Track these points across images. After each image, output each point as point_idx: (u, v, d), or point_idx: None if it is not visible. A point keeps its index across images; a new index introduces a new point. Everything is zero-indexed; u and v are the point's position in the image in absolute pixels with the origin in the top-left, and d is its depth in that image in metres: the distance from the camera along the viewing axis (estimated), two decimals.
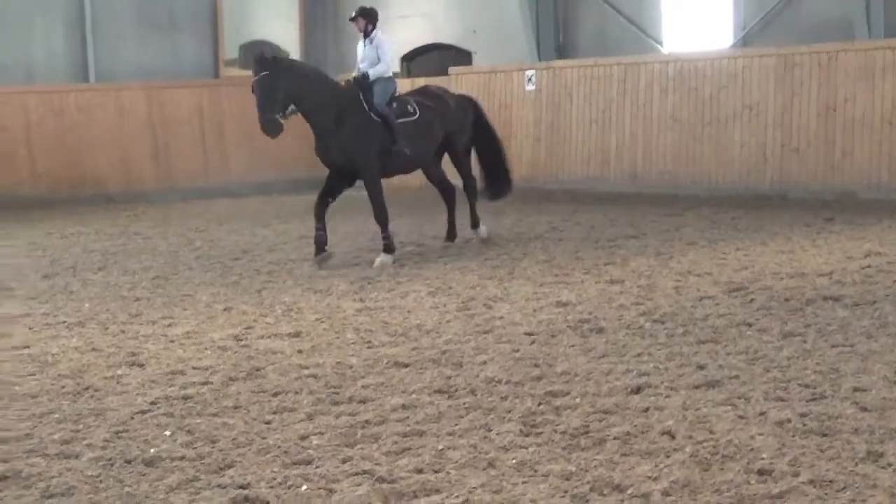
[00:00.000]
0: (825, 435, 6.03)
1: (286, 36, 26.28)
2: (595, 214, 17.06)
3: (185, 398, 7.36)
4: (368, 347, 8.74)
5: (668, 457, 5.81)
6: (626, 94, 21.27)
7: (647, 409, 6.66)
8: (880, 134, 17.19)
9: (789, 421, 6.28)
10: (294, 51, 26.11)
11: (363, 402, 7.14)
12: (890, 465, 5.54)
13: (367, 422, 6.67)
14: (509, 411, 6.76)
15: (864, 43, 18.01)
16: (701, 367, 7.61)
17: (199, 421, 6.83)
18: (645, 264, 12.14)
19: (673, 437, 6.12)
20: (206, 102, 24.55)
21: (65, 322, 10.16)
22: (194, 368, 8.22)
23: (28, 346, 9.15)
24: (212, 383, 7.73)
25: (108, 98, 23.48)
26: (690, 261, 12.22)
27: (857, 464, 5.58)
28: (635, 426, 6.32)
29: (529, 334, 8.94)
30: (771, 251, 12.66)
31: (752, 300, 9.94)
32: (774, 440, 5.98)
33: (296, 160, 24.62)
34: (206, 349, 8.87)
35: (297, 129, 14.77)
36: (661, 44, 21.80)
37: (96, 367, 8.34)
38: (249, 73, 14.73)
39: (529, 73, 22.95)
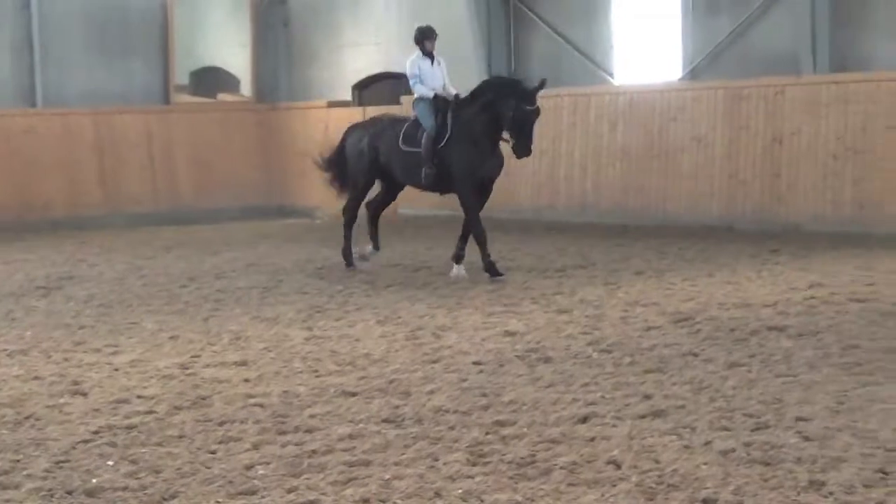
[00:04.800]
0: (768, 464, 6.07)
1: (238, 62, 26.25)
2: (544, 244, 17.10)
3: (129, 427, 7.29)
4: (316, 376, 8.71)
5: (613, 486, 5.83)
6: (576, 126, 21.39)
7: (593, 439, 6.68)
8: (825, 167, 17.39)
9: (734, 450, 6.32)
10: (245, 78, 26.11)
11: (310, 431, 7.11)
12: (831, 493, 5.59)
13: (313, 451, 6.64)
14: (456, 441, 6.76)
15: (810, 77, 18.24)
16: (647, 397, 7.65)
17: (142, 450, 6.76)
18: (593, 294, 12.20)
19: (619, 467, 6.14)
20: (156, 128, 24.43)
21: (6, 350, 10.04)
22: (139, 397, 8.14)
23: None
24: (156, 412, 7.67)
25: (55, 122, 23.32)
26: (638, 291, 12.29)
27: (799, 493, 5.62)
28: (581, 456, 6.33)
29: (477, 364, 8.95)
30: (717, 282, 12.76)
31: (698, 330, 10.01)
32: (719, 469, 6.01)
33: (245, 187, 24.60)
34: (151, 378, 8.79)
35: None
36: (611, 75, 21.94)
37: (38, 396, 8.24)
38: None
39: None
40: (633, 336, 9.86)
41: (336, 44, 25.53)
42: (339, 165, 15.43)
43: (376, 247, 14.97)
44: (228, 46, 26.46)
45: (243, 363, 9.23)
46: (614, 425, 6.96)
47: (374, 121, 15.50)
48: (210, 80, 26.33)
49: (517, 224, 19.97)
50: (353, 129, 15.59)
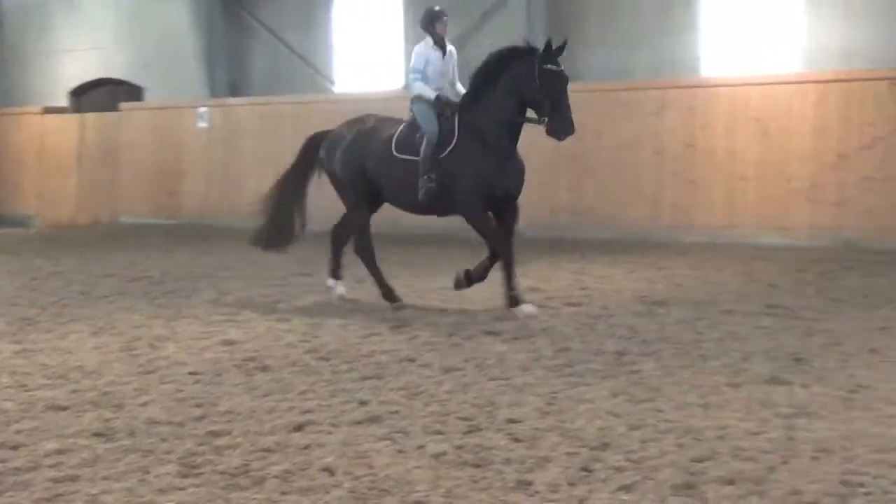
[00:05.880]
0: (479, 466, 6.20)
1: None
2: (267, 253, 16.96)
3: None
4: (24, 391, 8.37)
5: (326, 493, 5.83)
6: (298, 133, 21.35)
7: (308, 447, 6.67)
8: (540, 175, 17.89)
9: (446, 453, 6.42)
10: None
11: (15, 448, 6.83)
12: (538, 492, 5.75)
13: (17, 468, 6.38)
14: (168, 453, 6.62)
15: None
16: (363, 403, 7.69)
17: None
18: (314, 301, 12.20)
19: (332, 474, 6.14)
20: None
21: None
22: None
23: None
24: None
25: None
26: (359, 297, 12.37)
27: (507, 493, 5.76)
28: (295, 464, 6.31)
29: (194, 374, 8.80)
30: (436, 287, 12.95)
31: (416, 336, 10.14)
32: (431, 472, 6.09)
33: None
34: None
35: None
36: (333, 83, 22.04)
37: None
38: None
39: (201, 110, 22.76)
40: (352, 342, 9.91)
41: (50, 48, 24.79)
42: (290, 190, 12.87)
43: (338, 276, 12.57)
44: None
45: None
46: (330, 432, 6.97)
47: (357, 121, 12.68)
48: None
49: (239, 232, 19.74)
50: (323, 134, 12.90)
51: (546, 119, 10.98)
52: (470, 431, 6.92)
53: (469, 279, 11.69)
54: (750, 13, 19.39)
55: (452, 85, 12.02)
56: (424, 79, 11.75)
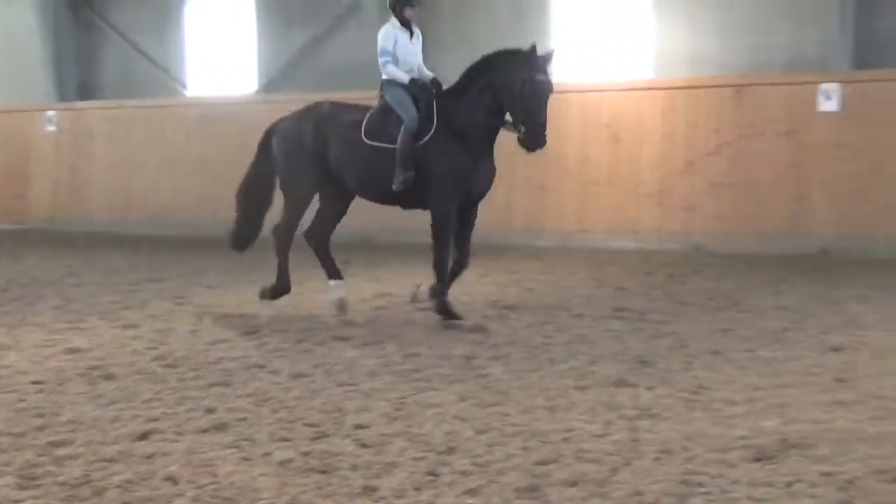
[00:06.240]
0: (325, 472, 6.16)
1: None
2: (116, 258, 16.73)
3: None
4: None
5: (169, 502, 5.74)
6: (150, 138, 21.09)
7: (151, 456, 6.55)
8: None
9: (292, 460, 6.37)
10: None
11: None
12: (383, 497, 5.74)
13: None
14: (7, 464, 6.44)
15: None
16: (210, 411, 7.59)
17: None
18: (163, 308, 12.03)
19: (176, 483, 6.04)
20: None
21: None
22: None
23: None
24: None
25: None
26: (209, 304, 12.23)
27: (353, 499, 5.73)
28: (138, 473, 6.19)
29: (36, 383, 8.58)
30: (293, 293, 12.84)
31: (265, 342, 10.06)
32: (276, 480, 6.04)
33: None
34: None
35: None
36: (185, 87, 21.78)
37: None
38: None
39: (49, 113, 22.29)
40: (200, 350, 9.78)
41: None
42: (254, 189, 12.11)
43: (339, 276, 11.78)
44: None
45: None
46: (174, 441, 6.86)
47: (316, 105, 11.88)
48: None
49: (90, 238, 19.46)
50: (283, 120, 12.11)
51: (522, 128, 10.63)
52: (317, 438, 6.88)
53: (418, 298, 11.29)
54: (601, 20, 19.68)
55: (421, 68, 11.41)
56: (395, 60, 11.14)
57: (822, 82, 16.93)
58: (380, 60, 11.16)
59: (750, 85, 17.54)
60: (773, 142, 17.19)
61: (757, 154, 17.29)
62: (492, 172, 11.18)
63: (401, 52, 11.16)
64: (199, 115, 20.56)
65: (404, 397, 7.90)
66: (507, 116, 10.88)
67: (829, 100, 16.85)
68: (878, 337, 10.05)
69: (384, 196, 11.26)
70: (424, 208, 11.10)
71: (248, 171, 12.18)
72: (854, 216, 16.63)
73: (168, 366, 9.11)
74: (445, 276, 10.93)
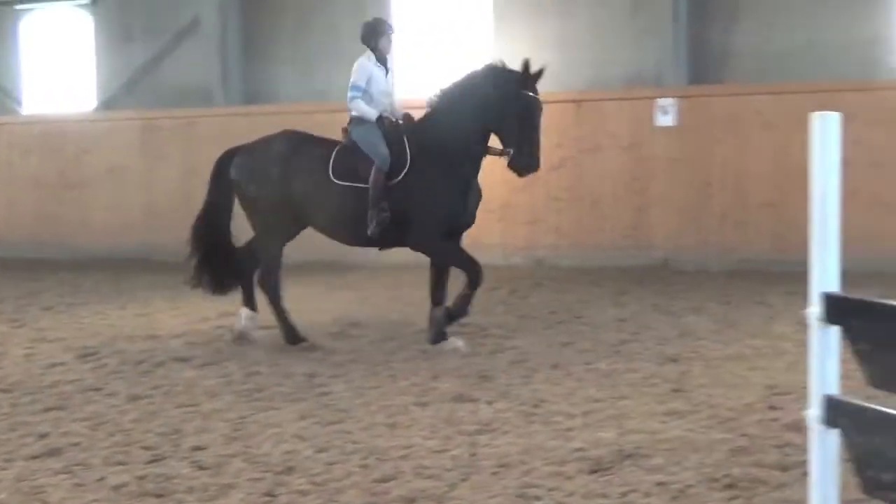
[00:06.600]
0: (160, 496, 6.07)
1: None
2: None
3: None
4: None
5: None
6: None
7: None
8: None
9: (126, 484, 6.26)
10: None
11: None
12: None
13: None
14: None
15: (221, 109, 18.70)
16: (43, 436, 7.41)
17: None
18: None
19: None
20: None
21: None
22: None
23: None
24: None
25: None
26: (45, 326, 11.98)
27: None
28: None
29: None
30: (129, 314, 12.68)
31: (104, 364, 9.87)
32: None
33: None
34: None
35: None
36: (20, 104, 21.33)
37: None
38: None
39: None
40: (35, 373, 9.55)
41: None
42: (212, 223, 11.02)
43: (254, 307, 10.98)
44: None
45: None
46: (4, 468, 6.68)
47: (276, 137, 11.01)
48: None
49: None
50: (231, 153, 11.12)
51: (511, 151, 10.11)
52: (153, 461, 6.77)
53: (451, 317, 10.52)
54: (441, 34, 19.75)
55: (394, 105, 10.73)
56: (367, 98, 10.45)
57: (659, 97, 17.25)
58: (348, 95, 10.52)
59: (590, 100, 17.79)
60: (613, 156, 17.46)
61: (598, 168, 17.54)
62: (477, 200, 10.64)
63: (375, 89, 10.50)
64: (37, 132, 20.14)
65: (244, 417, 7.83)
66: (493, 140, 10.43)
67: (665, 115, 17.19)
68: (712, 347, 10.28)
69: (357, 238, 10.62)
70: (404, 245, 10.65)
71: (204, 206, 11.15)
72: (690, 229, 16.98)
73: (1, 391, 8.88)
74: (473, 263, 10.40)
